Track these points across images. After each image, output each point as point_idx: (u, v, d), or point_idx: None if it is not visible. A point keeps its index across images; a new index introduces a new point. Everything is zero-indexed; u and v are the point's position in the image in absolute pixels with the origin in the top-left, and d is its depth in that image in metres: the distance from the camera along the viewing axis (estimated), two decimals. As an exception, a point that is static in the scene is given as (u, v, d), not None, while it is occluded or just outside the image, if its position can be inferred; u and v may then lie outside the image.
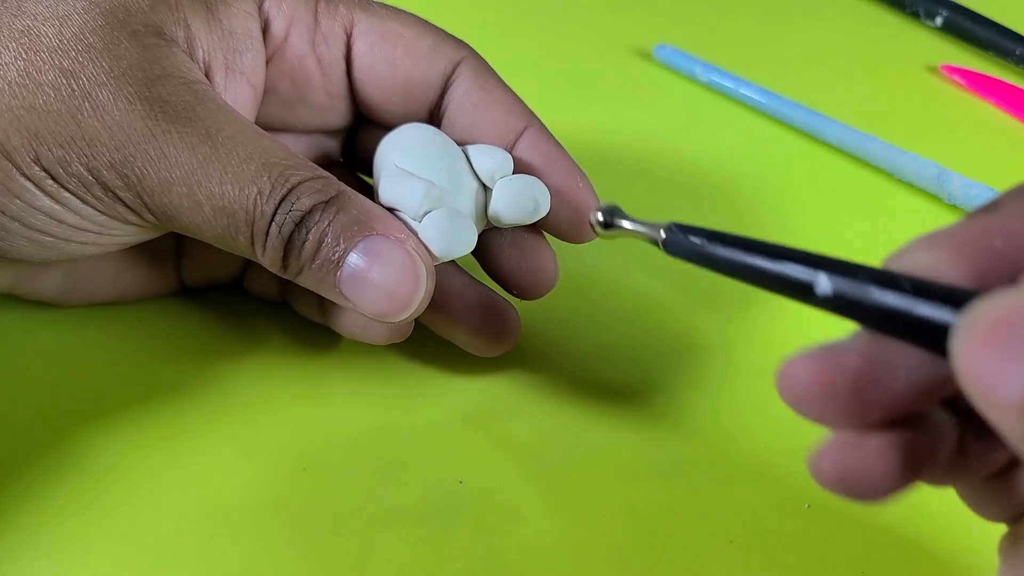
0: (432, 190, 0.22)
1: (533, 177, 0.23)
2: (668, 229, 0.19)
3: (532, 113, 0.25)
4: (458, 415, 0.24)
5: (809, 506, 0.23)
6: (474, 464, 0.23)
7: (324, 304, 0.25)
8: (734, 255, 0.18)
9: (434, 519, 0.22)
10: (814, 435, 0.26)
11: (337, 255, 0.20)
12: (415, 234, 0.22)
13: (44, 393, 0.24)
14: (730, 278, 0.18)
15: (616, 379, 0.26)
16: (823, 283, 0.16)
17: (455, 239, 0.22)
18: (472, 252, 0.23)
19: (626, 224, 0.21)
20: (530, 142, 0.24)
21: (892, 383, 0.15)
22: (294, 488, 0.22)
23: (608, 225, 0.21)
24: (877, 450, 0.16)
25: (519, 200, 0.23)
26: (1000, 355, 0.13)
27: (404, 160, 0.23)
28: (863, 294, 0.15)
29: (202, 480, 0.22)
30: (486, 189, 0.24)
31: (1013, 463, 0.18)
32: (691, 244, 0.19)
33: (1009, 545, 0.19)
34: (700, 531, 0.22)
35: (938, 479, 0.18)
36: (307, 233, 0.20)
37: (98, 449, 0.23)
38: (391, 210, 0.22)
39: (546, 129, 0.25)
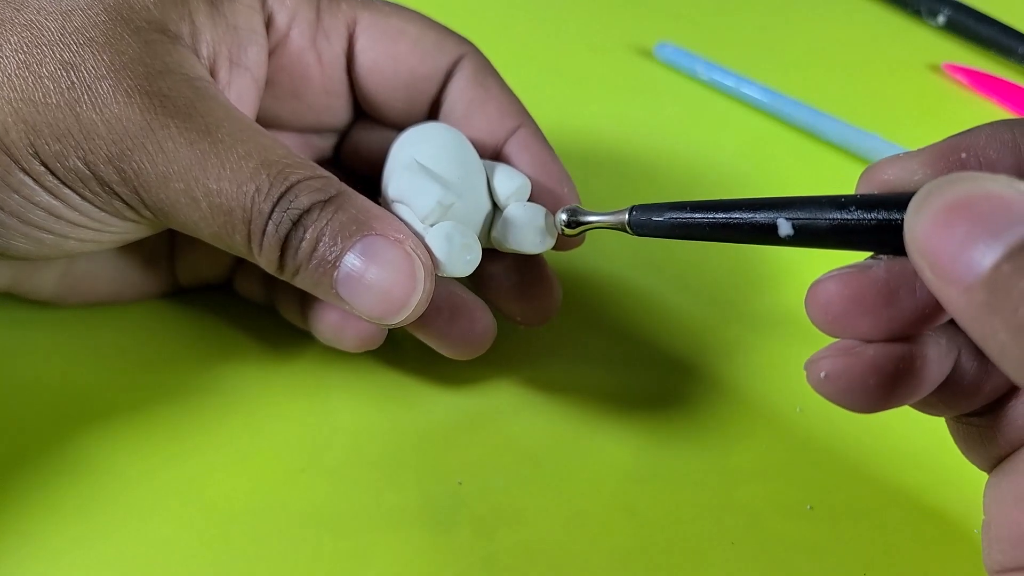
0: (447, 197, 0.21)
1: (544, 209, 0.22)
2: (630, 212, 0.20)
3: (527, 113, 0.25)
4: (457, 417, 0.24)
5: (811, 507, 0.23)
6: (473, 466, 0.23)
7: (305, 310, 0.24)
8: (696, 218, 0.19)
9: (433, 521, 0.22)
10: (815, 437, 0.26)
11: (334, 255, 0.20)
12: (420, 236, 0.21)
13: (40, 393, 0.24)
14: (700, 240, 0.19)
15: (615, 380, 0.26)
16: (784, 225, 0.17)
17: (460, 257, 0.21)
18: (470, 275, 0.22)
19: (590, 218, 0.21)
20: (521, 141, 0.24)
21: (914, 294, 0.16)
22: (293, 489, 0.22)
23: (573, 224, 0.21)
24: (872, 358, 0.17)
25: (526, 229, 0.22)
26: (955, 233, 0.13)
27: (426, 157, 0.22)
28: (821, 222, 0.16)
29: (200, 481, 0.22)
30: (495, 209, 0.23)
31: (1002, 399, 0.18)
32: (655, 220, 0.20)
33: (992, 487, 0.19)
34: (701, 533, 0.22)
35: (931, 405, 0.18)
36: (304, 232, 0.20)
37: (95, 450, 0.22)
38: (396, 202, 0.22)
39: (539, 130, 0.25)
